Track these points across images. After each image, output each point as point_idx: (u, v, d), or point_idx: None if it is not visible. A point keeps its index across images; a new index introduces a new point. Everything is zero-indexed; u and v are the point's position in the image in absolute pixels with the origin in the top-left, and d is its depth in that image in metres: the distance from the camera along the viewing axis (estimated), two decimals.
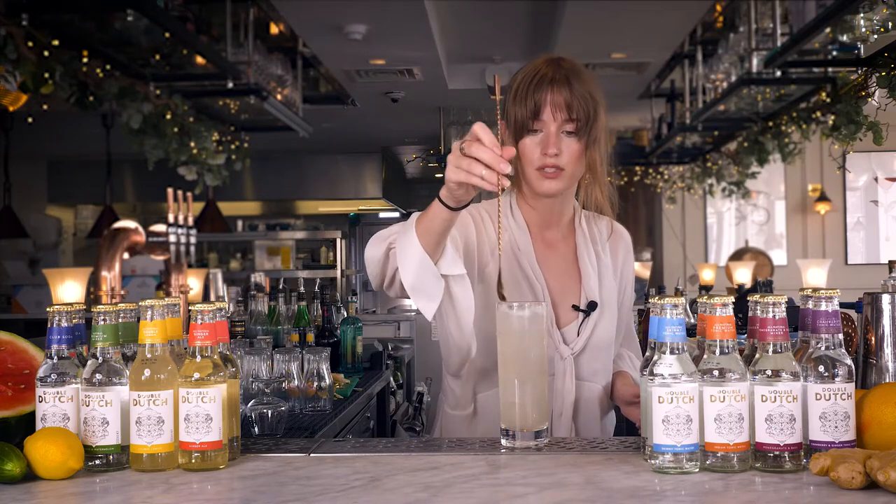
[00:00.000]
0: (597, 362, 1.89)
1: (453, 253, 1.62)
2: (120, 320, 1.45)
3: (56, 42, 3.54)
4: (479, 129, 1.45)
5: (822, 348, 1.35)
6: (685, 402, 1.32)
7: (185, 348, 1.46)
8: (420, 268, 1.58)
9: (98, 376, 1.40)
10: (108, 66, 4.02)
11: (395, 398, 4.46)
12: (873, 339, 1.65)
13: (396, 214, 11.68)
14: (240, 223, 9.45)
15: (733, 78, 5.12)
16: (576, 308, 1.86)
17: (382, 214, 11.87)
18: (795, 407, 1.32)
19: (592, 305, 1.86)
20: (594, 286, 1.88)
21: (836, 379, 1.33)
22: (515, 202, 1.91)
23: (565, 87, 1.75)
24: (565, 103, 1.75)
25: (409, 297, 1.63)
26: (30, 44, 3.38)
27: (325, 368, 2.55)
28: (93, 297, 3.85)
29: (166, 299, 1.42)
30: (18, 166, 7.41)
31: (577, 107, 1.75)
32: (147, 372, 1.38)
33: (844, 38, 4.23)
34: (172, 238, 4.02)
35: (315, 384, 2.52)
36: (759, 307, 1.36)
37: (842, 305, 1.42)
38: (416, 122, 8.30)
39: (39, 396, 1.42)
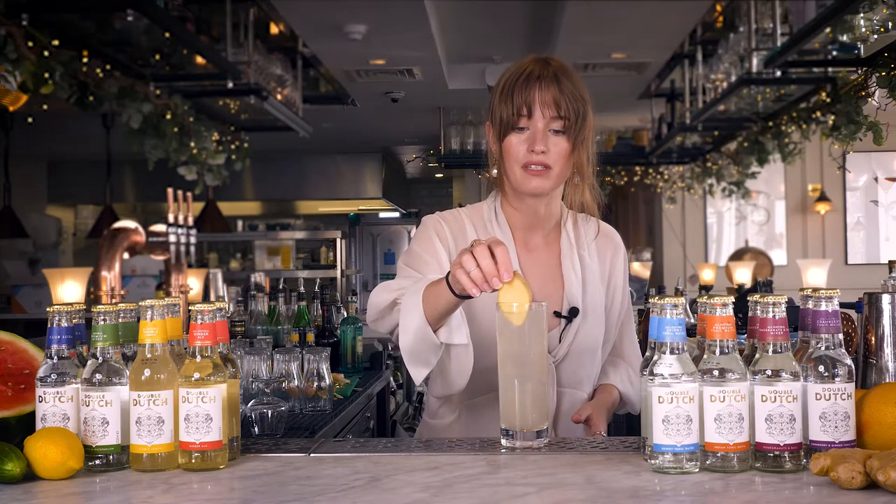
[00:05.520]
0: (581, 370, 1.85)
1: (459, 320, 1.62)
2: (120, 320, 1.45)
3: (56, 42, 3.54)
4: (498, 243, 1.46)
5: (822, 348, 1.35)
6: (685, 402, 1.32)
7: (185, 348, 1.46)
8: (418, 336, 1.60)
9: (98, 376, 1.40)
10: (108, 66, 4.01)
11: (395, 398, 4.46)
12: (873, 339, 1.65)
13: (396, 214, 11.68)
14: (240, 223, 9.45)
15: (733, 78, 5.12)
16: (557, 315, 1.82)
17: (382, 214, 11.87)
18: (795, 407, 1.32)
19: (574, 311, 1.82)
20: (577, 292, 1.84)
21: (836, 379, 1.33)
22: (499, 205, 1.88)
23: (554, 84, 1.73)
24: (553, 101, 1.73)
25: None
26: (30, 44, 3.38)
27: (325, 368, 2.55)
28: (93, 297, 3.85)
29: (166, 299, 1.42)
30: (18, 166, 7.42)
31: (566, 105, 1.73)
32: (147, 372, 1.38)
33: (844, 38, 4.22)
34: (172, 238, 4.03)
35: (315, 384, 2.52)
36: (759, 307, 1.36)
37: (842, 305, 1.42)
38: (416, 122, 8.30)
39: (39, 396, 1.42)
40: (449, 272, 1.53)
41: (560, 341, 1.83)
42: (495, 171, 1.86)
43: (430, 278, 1.62)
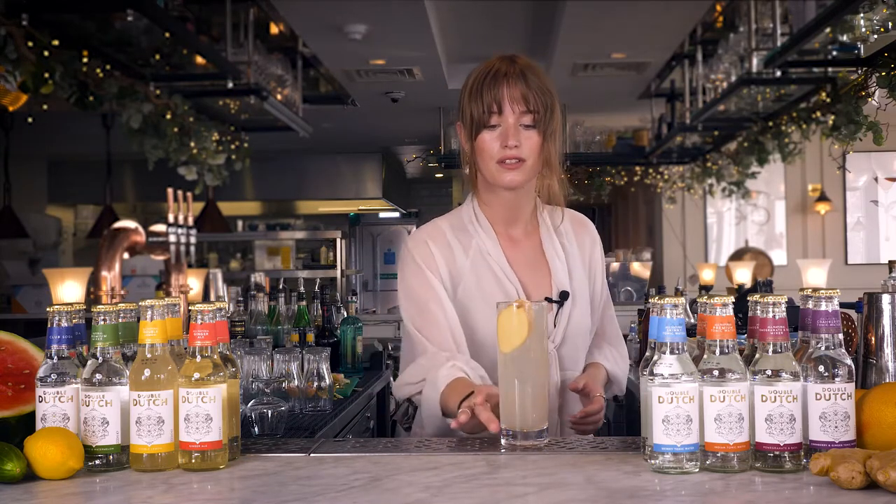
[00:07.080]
0: (577, 352, 1.93)
1: None
2: (120, 320, 1.45)
3: (56, 42, 3.54)
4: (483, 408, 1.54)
5: (822, 348, 1.35)
6: (685, 402, 1.32)
7: (185, 348, 1.46)
8: (438, 426, 1.78)
9: (98, 376, 1.40)
10: (108, 66, 4.01)
11: (394, 398, 4.45)
12: (873, 339, 1.65)
13: (396, 214, 11.68)
14: (240, 223, 9.45)
15: (733, 78, 5.11)
16: (549, 300, 1.88)
17: (382, 214, 11.87)
18: (795, 407, 1.32)
19: (564, 295, 1.89)
20: (563, 276, 1.91)
21: (836, 379, 1.33)
22: (477, 205, 1.94)
23: (521, 80, 1.79)
24: (522, 96, 1.79)
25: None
26: (30, 44, 3.38)
27: (325, 368, 2.55)
28: (93, 297, 3.84)
29: (166, 299, 1.42)
30: (18, 166, 7.41)
31: (534, 99, 1.79)
32: (147, 372, 1.38)
33: (844, 38, 4.22)
34: (172, 238, 4.02)
35: (315, 384, 2.52)
36: (759, 307, 1.36)
37: (842, 305, 1.42)
38: (416, 122, 8.30)
39: (39, 396, 1.42)
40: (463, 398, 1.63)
41: (555, 326, 1.89)
42: (467, 169, 1.91)
43: (446, 378, 1.72)
